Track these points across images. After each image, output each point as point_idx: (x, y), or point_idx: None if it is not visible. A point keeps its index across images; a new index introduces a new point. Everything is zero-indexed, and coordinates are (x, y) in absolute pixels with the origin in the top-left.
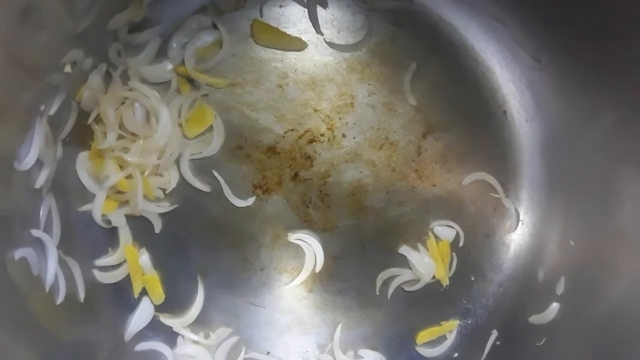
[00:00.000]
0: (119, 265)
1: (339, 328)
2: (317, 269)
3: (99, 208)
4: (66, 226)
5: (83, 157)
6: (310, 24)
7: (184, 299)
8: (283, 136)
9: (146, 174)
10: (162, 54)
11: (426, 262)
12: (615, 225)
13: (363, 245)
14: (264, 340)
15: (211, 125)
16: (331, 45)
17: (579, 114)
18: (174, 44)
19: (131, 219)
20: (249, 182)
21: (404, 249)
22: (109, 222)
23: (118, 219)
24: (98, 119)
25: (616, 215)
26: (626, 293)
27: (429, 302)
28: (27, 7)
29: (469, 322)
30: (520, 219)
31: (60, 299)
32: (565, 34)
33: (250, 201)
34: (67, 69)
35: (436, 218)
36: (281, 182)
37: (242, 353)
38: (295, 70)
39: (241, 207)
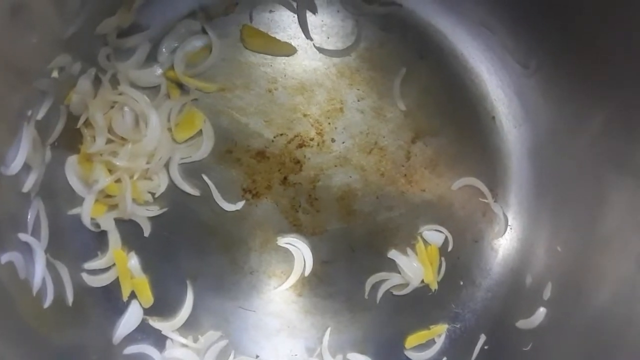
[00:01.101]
0: (107, 269)
1: (328, 332)
2: (307, 273)
3: (88, 212)
4: (55, 230)
5: (72, 160)
6: (300, 29)
7: (173, 303)
8: (272, 141)
9: (135, 177)
10: (151, 58)
11: (415, 267)
12: (602, 230)
13: (352, 249)
14: (253, 343)
15: (201, 130)
16: (320, 50)
17: (567, 119)
18: (164, 49)
19: (120, 222)
20: (239, 186)
21: (393, 253)
22: (98, 225)
23: (107, 223)
24: (87, 123)
25: (603, 221)
26: (612, 298)
27: (418, 306)
28: (16, 6)
29: (458, 326)
30: (509, 223)
31: (48, 302)
32: (552, 41)
33: (240, 205)
34: (55, 74)
35: (425, 222)
36: (270, 187)
37: (231, 356)
38: (285, 75)
39: (230, 211)
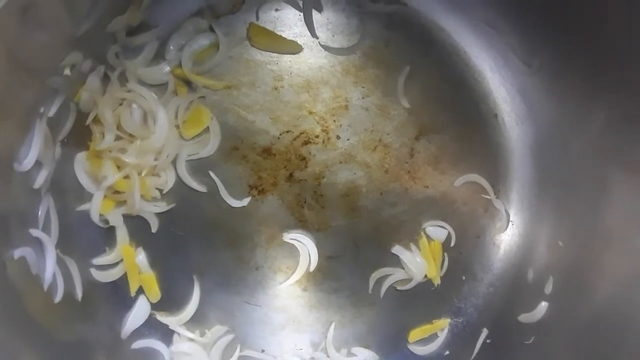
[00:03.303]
0: (116, 264)
1: (332, 326)
2: (312, 268)
3: (97, 208)
4: (64, 226)
5: (81, 157)
6: (306, 28)
7: (180, 298)
8: (278, 138)
9: (143, 174)
10: (159, 56)
11: (418, 262)
12: (604, 226)
13: (356, 245)
14: (259, 338)
15: (207, 127)
16: (326, 48)
17: (569, 117)
18: (171, 47)
19: (128, 218)
20: (245, 182)
21: (397, 249)
22: (106, 221)
23: (115, 219)
24: (96, 120)
25: (604, 217)
26: (613, 293)
27: (421, 301)
28: (27, 5)
29: (460, 320)
30: (511, 219)
31: (58, 297)
32: (555, 39)
33: (246, 201)
34: (67, 71)
35: (428, 218)
36: (276, 183)
37: (237, 351)
38: (291, 73)
39: (237, 208)
